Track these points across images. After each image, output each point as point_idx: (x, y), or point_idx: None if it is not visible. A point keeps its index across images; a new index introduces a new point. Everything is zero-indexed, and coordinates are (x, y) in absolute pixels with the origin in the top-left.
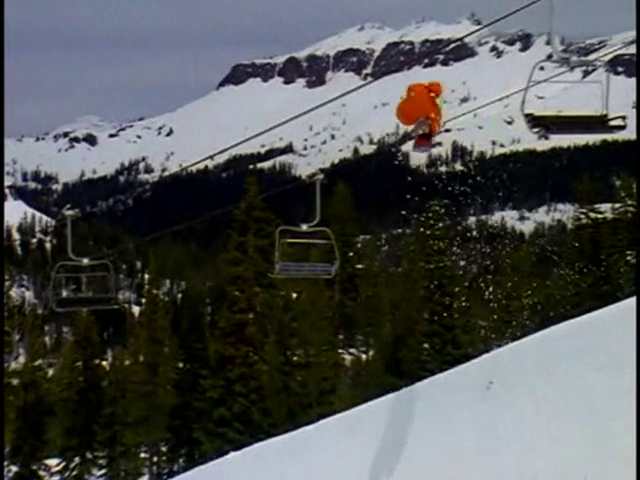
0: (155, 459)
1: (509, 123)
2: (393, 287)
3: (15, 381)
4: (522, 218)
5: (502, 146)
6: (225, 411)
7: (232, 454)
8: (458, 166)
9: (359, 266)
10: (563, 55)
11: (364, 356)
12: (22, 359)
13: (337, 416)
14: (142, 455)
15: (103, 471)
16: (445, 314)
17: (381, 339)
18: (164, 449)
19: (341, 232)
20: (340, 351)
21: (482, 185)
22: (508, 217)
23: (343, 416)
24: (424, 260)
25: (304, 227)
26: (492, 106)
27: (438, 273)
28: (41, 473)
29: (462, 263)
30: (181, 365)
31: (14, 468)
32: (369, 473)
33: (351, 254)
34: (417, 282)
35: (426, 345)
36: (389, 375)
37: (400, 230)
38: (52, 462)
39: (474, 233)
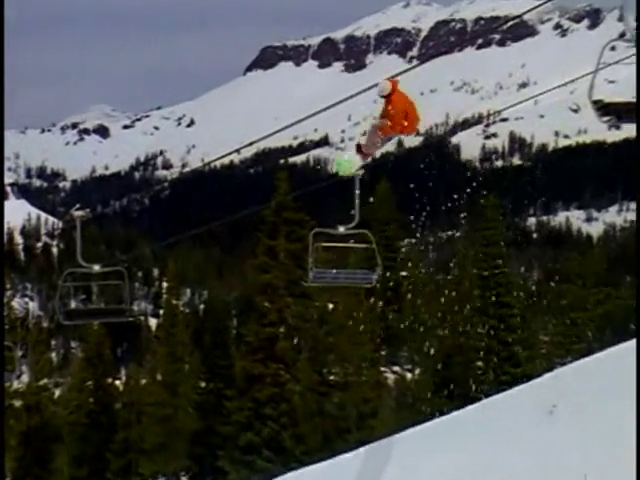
0: None
1: (575, 111)
2: (442, 297)
3: (18, 403)
4: (590, 219)
5: (567, 137)
6: (253, 436)
7: None
8: (516, 160)
9: (403, 273)
10: (637, 33)
11: (409, 375)
12: (25, 378)
13: (379, 442)
14: None
15: None
16: (502, 327)
17: (428, 356)
18: (185, 479)
19: (383, 235)
20: (382, 369)
21: (544, 182)
22: (574, 218)
23: (386, 442)
24: (478, 266)
25: (341, 229)
26: (555, 92)
27: (494, 281)
28: None
29: (521, 270)
30: (203, 385)
31: None
32: None
33: (394, 260)
34: (470, 291)
35: (480, 363)
36: (437, 396)
37: (450, 233)
38: None
39: (535, 236)
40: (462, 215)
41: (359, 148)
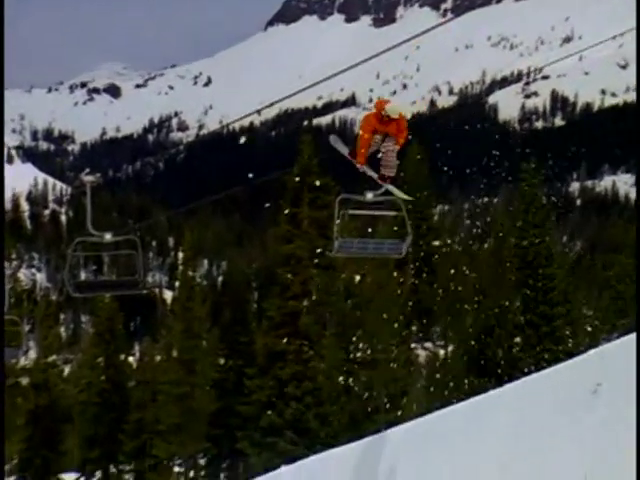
0: (192, 474)
1: (623, 67)
2: (478, 268)
3: (25, 380)
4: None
5: (614, 95)
6: (275, 417)
7: (284, 468)
8: (558, 121)
9: (436, 243)
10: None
11: (442, 352)
12: (33, 354)
13: (409, 424)
14: (176, 469)
15: None
16: (542, 301)
17: (463, 332)
18: (202, 462)
19: (414, 202)
20: (413, 346)
21: (588, 144)
22: (621, 182)
23: (417, 424)
24: (516, 235)
25: (369, 196)
26: (602, 47)
27: (534, 251)
28: None
29: (563, 239)
30: (222, 362)
31: None
32: None
33: (426, 228)
34: (508, 262)
35: (518, 339)
36: (472, 375)
37: (487, 199)
38: (69, 477)
39: (578, 202)
40: (499, 180)
41: (383, 178)
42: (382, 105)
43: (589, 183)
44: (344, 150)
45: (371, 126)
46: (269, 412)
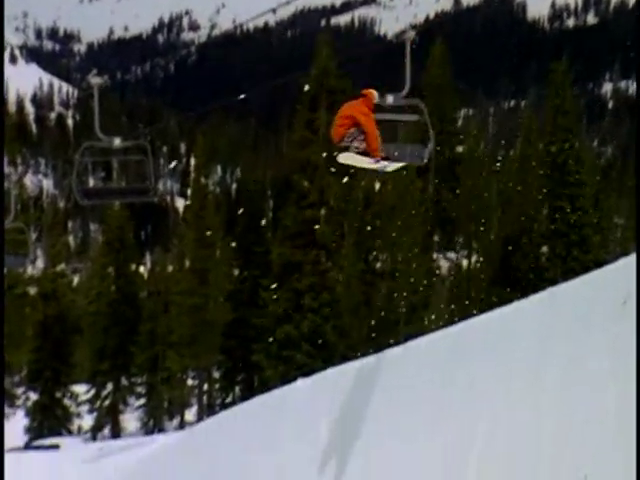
0: (205, 387)
1: None
2: (504, 175)
3: (33, 290)
4: None
5: None
6: (291, 329)
7: (300, 381)
8: (591, 18)
9: (460, 149)
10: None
11: (465, 262)
12: (40, 263)
13: (431, 336)
14: (189, 382)
15: (142, 401)
16: (570, 209)
17: (488, 241)
18: (216, 375)
19: (437, 105)
20: (435, 256)
21: (622, 42)
22: None
23: (439, 336)
24: (545, 140)
25: (389, 99)
26: None
27: (563, 157)
28: (66, 402)
29: (594, 144)
30: (237, 273)
31: (33, 396)
32: (472, 404)
33: (450, 133)
34: (535, 169)
35: (545, 248)
36: (497, 286)
37: (514, 102)
38: (80, 389)
39: (610, 105)
40: (527, 82)
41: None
42: (373, 96)
43: (622, 84)
44: (361, 161)
45: (371, 118)
46: (285, 325)
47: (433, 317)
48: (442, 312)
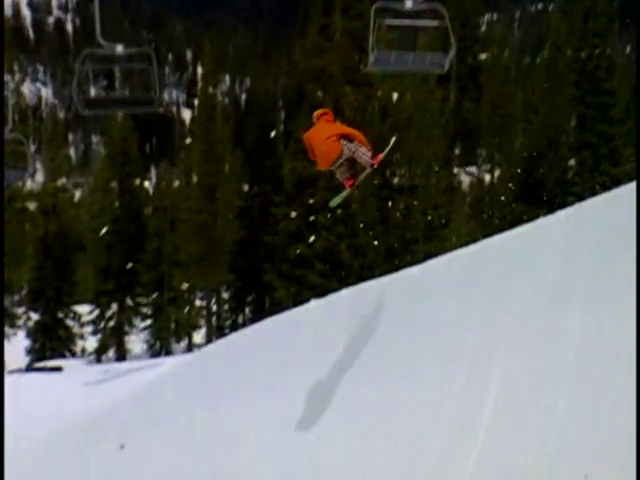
0: (214, 308)
1: None
2: (529, 84)
3: (32, 205)
4: None
5: None
6: (304, 248)
7: (313, 302)
8: None
9: (483, 56)
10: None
11: (488, 177)
12: (40, 177)
13: (451, 255)
14: (197, 303)
15: (148, 322)
16: (601, 119)
17: (512, 154)
18: (225, 295)
19: (459, 9)
20: (456, 170)
21: None
22: None
23: (459, 254)
24: (574, 46)
25: (409, 3)
26: None
27: (593, 64)
28: (69, 322)
29: (627, 49)
30: (247, 188)
31: (34, 316)
32: (492, 325)
33: (472, 40)
34: (563, 77)
35: (573, 161)
36: (521, 202)
37: (541, 5)
38: (83, 309)
39: None
40: None
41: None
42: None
43: None
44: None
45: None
46: (298, 243)
47: (453, 235)
48: (463, 230)
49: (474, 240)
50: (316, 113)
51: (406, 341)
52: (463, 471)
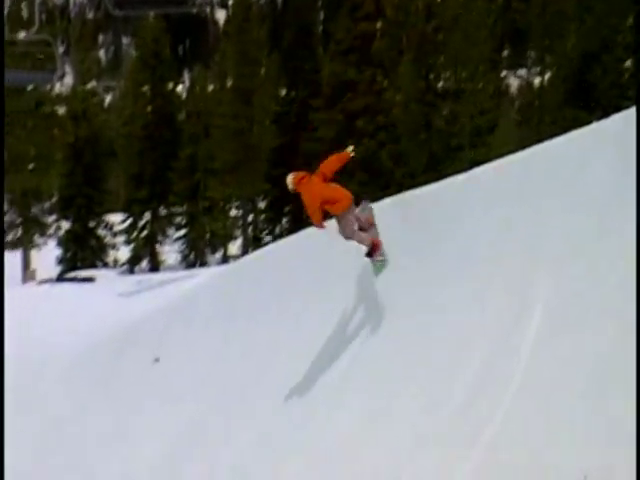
0: (250, 218)
1: None
2: None
3: (61, 110)
4: None
5: None
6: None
7: None
8: None
9: None
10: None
11: (538, 80)
12: (69, 80)
13: (499, 162)
14: (233, 213)
15: (182, 232)
16: None
17: (563, 56)
18: (262, 205)
19: None
20: (504, 74)
21: None
22: None
23: (506, 163)
24: None
25: None
26: None
27: None
28: (100, 232)
29: None
30: (284, 93)
31: (65, 225)
32: (535, 246)
33: None
34: None
35: (629, 63)
36: (573, 106)
37: None
38: (115, 218)
39: None
40: None
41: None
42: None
43: None
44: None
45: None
46: (337, 150)
47: (500, 142)
48: (510, 136)
49: (523, 147)
50: (290, 180)
51: (444, 256)
52: (498, 405)
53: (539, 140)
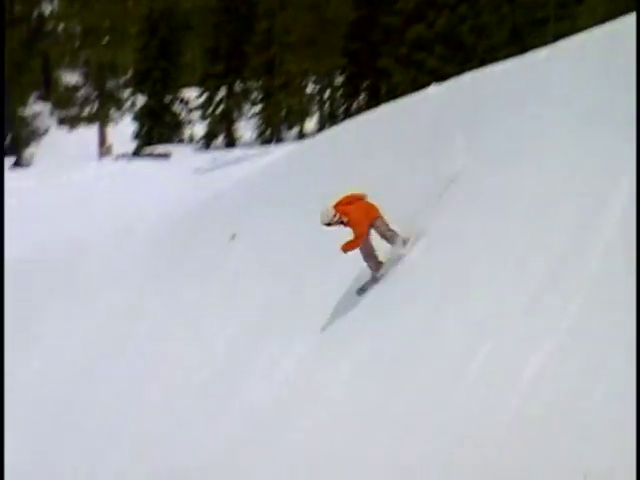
0: (327, 94)
1: None
2: None
3: None
4: None
5: None
6: (424, 30)
7: (432, 88)
8: None
9: None
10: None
11: None
12: None
13: (584, 35)
14: (309, 88)
15: (258, 108)
16: None
17: None
18: (339, 81)
19: None
20: None
21: None
22: None
23: (593, 36)
24: None
25: None
26: None
27: None
28: (176, 108)
29: None
30: None
31: (141, 99)
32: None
33: None
34: None
35: None
36: None
37: None
38: (190, 93)
39: None
40: None
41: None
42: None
43: None
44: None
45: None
46: (417, 24)
47: (587, 13)
48: (599, 7)
49: (611, 18)
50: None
51: (520, 133)
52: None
53: (628, 11)
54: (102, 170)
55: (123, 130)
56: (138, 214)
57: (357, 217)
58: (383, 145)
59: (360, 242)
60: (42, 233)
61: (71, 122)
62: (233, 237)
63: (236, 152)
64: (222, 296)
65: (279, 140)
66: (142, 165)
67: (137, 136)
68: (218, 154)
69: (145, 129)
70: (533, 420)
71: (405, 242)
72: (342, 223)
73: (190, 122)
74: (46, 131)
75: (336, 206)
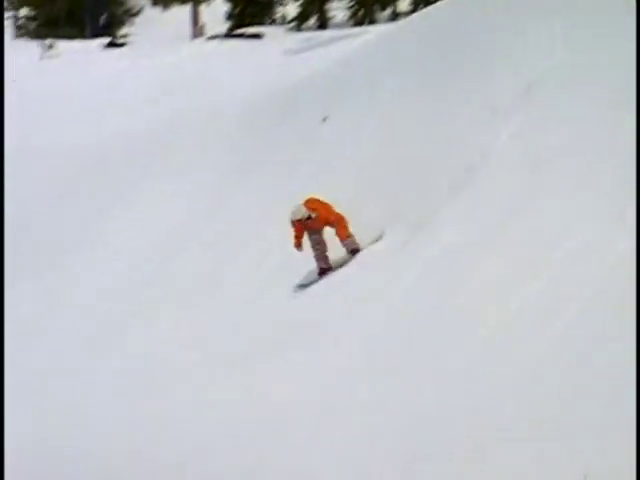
0: None
1: None
2: None
3: None
4: None
5: None
6: None
7: None
8: None
9: None
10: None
11: None
12: None
13: None
14: None
15: None
16: None
17: None
18: None
19: None
20: None
21: None
22: None
23: None
24: None
25: None
26: None
27: None
28: None
29: None
30: None
31: None
32: None
33: None
34: None
35: None
36: None
37: None
38: None
39: None
40: None
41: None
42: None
43: None
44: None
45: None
46: None
47: None
48: None
49: None
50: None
51: None
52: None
53: None
54: (194, 50)
55: (216, 10)
56: (229, 93)
57: (326, 211)
58: (473, 27)
59: (341, 218)
60: (136, 113)
61: (165, 1)
62: (324, 119)
63: (328, 33)
64: (305, 179)
65: (372, 21)
66: (234, 45)
67: (230, 16)
68: (310, 35)
69: (238, 9)
70: None
71: (354, 252)
72: (309, 219)
73: (282, 3)
74: (140, 10)
75: (305, 204)
